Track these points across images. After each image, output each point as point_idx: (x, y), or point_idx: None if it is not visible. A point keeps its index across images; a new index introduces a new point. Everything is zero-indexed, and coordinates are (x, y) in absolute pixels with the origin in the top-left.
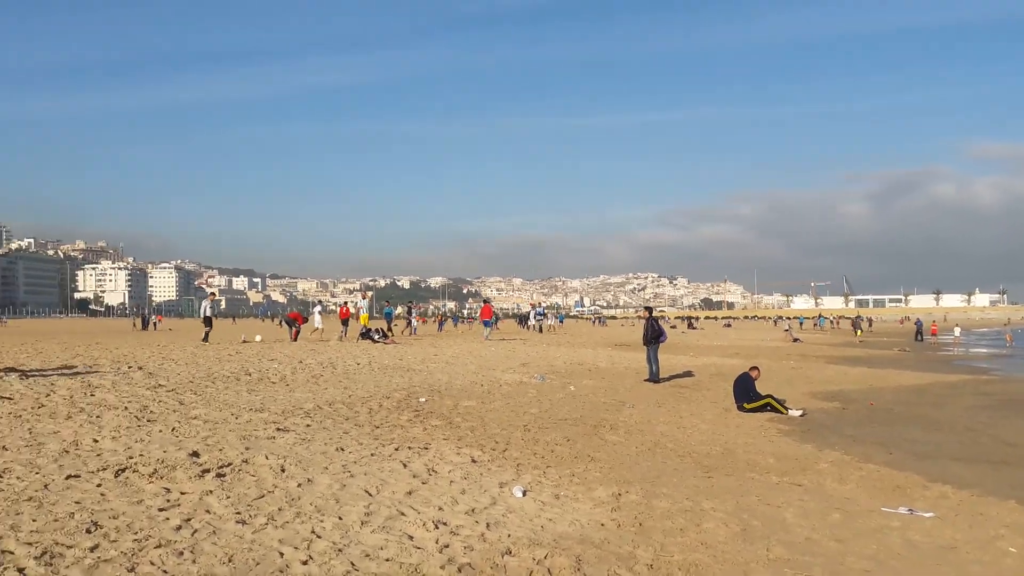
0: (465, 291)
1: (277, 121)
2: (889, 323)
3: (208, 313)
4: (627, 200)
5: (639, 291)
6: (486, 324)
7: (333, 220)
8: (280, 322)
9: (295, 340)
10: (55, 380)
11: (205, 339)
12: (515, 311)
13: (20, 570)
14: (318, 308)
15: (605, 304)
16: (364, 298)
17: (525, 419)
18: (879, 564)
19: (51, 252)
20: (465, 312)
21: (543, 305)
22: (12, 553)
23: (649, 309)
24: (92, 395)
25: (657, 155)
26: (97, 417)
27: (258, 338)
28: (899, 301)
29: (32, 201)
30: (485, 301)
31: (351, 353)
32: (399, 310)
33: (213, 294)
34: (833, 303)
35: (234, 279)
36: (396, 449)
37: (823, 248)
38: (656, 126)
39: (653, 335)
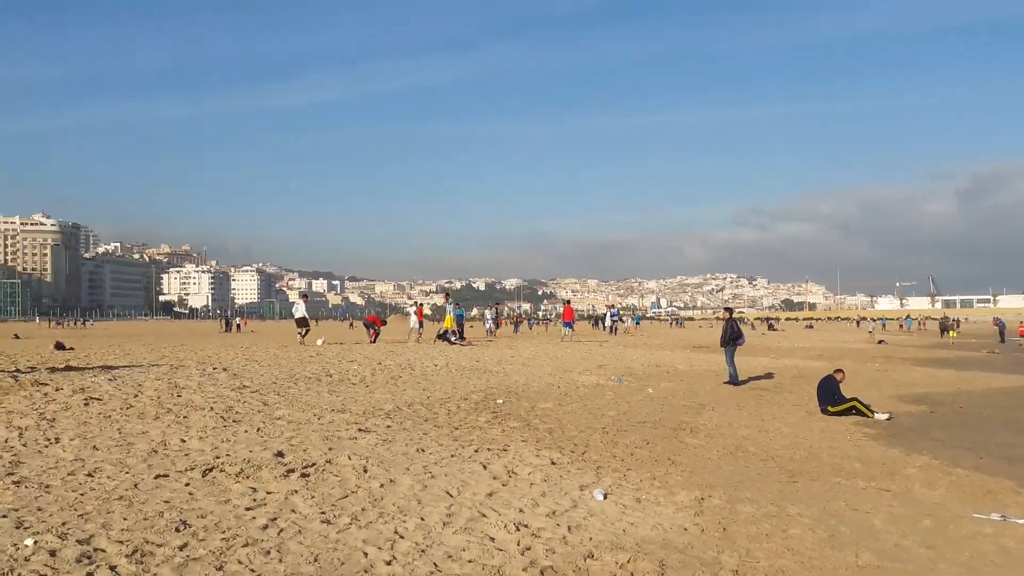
0: (540, 292)
1: (353, 125)
2: (978, 324)
3: (303, 314)
4: (702, 200)
5: (717, 292)
6: (567, 326)
7: (409, 222)
8: (350, 324)
9: (374, 342)
10: (142, 381)
11: (303, 340)
12: (590, 313)
13: (112, 568)
14: (414, 309)
15: (682, 305)
16: (447, 301)
17: (603, 421)
18: (972, 571)
19: (136, 256)
20: (540, 314)
21: (618, 307)
22: (104, 551)
23: (729, 310)
24: (179, 396)
25: (732, 153)
26: (184, 418)
27: (320, 341)
28: (987, 301)
29: (118, 206)
30: (566, 303)
31: (428, 355)
32: (485, 313)
33: (305, 296)
34: (919, 304)
35: (314, 281)
36: (475, 451)
37: (908, 247)
38: (729, 123)
39: (731, 336)
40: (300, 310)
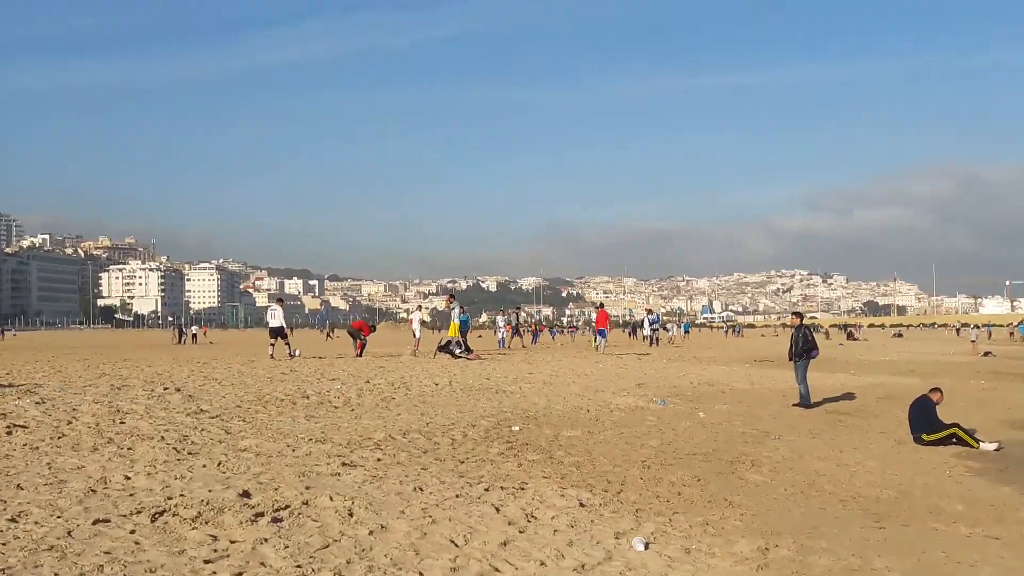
0: (564, 294)
1: (333, 90)
2: None
3: (280, 322)
4: (766, 180)
5: (783, 292)
6: (600, 334)
7: (404, 209)
8: (327, 334)
9: (360, 355)
10: (78, 405)
11: (273, 354)
12: (625, 319)
13: None
14: (417, 315)
15: (740, 309)
16: (450, 305)
17: (643, 453)
18: None
19: (70, 251)
20: (565, 320)
21: (660, 311)
22: None
23: (799, 315)
24: (122, 423)
25: (803, 122)
26: (129, 449)
27: (295, 354)
28: None
29: (47, 190)
30: (599, 306)
31: (427, 371)
32: (497, 320)
33: (280, 300)
34: None
35: (287, 282)
36: (486, 489)
37: (1021, 237)
38: (801, 85)
39: (803, 348)
40: (277, 317)
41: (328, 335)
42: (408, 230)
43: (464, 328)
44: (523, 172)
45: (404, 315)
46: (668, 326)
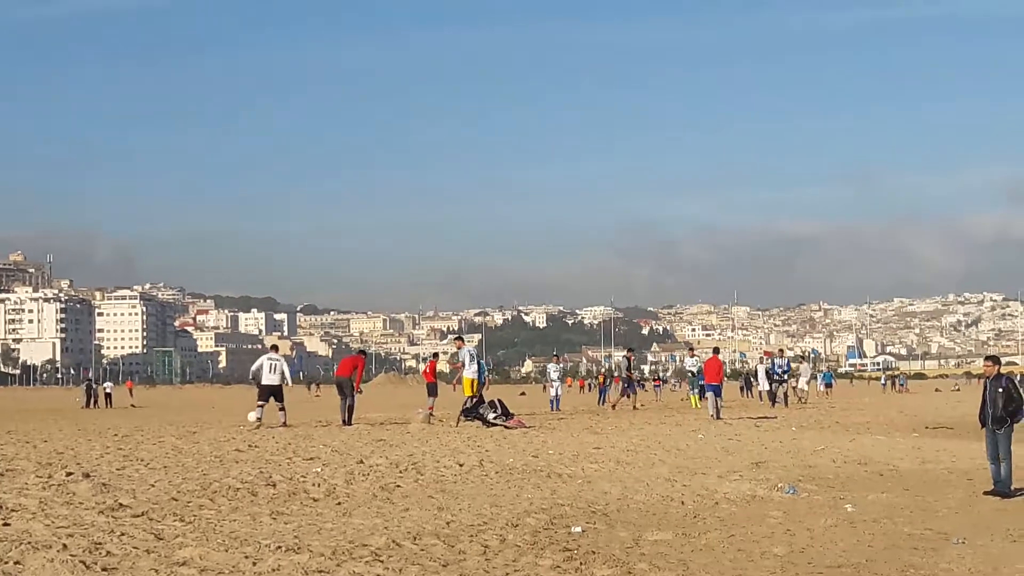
0: (645, 330)
1: (312, 45)
2: None
3: (279, 379)
4: (944, 162)
5: (967, 327)
6: (713, 391)
7: (408, 212)
8: (313, 389)
9: (349, 421)
10: None
11: (284, 423)
12: (736, 365)
13: None
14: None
15: (904, 351)
16: (461, 348)
17: (765, 566)
18: None
19: None
20: (647, 369)
21: (786, 355)
22: None
23: (995, 360)
24: (6, 524)
25: (995, 77)
26: (16, 564)
27: (253, 416)
28: None
29: None
30: (714, 351)
31: (447, 445)
32: (549, 369)
33: (275, 347)
34: None
35: (242, 315)
36: None
37: None
38: (991, 20)
39: (1005, 409)
40: (278, 371)
41: (313, 390)
42: (417, 240)
43: (480, 376)
44: (582, 160)
45: (413, 363)
46: (799, 376)
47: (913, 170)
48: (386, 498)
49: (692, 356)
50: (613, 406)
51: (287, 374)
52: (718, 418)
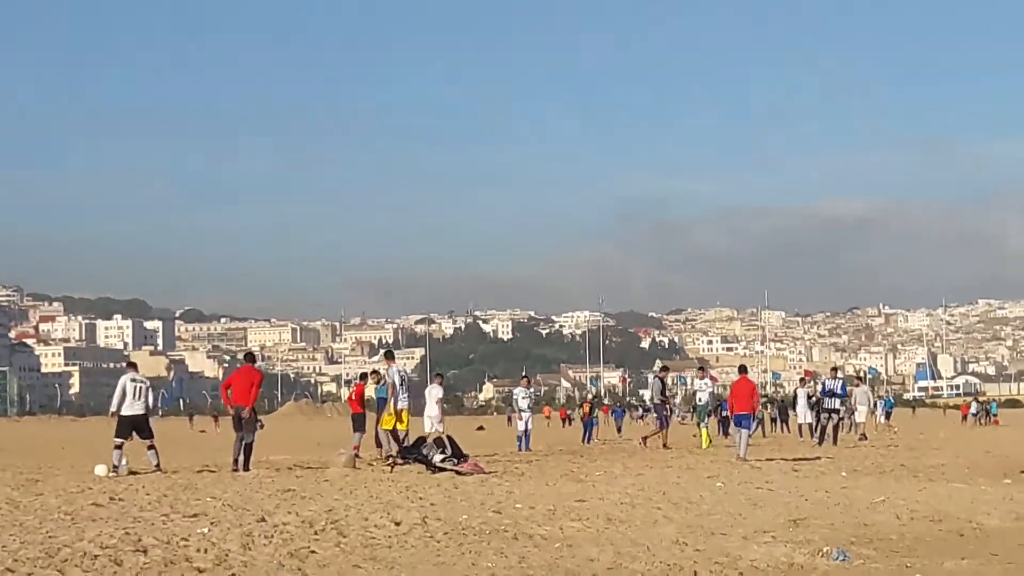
0: (646, 342)
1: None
2: None
3: (144, 408)
4: None
5: None
6: (741, 424)
7: (326, 194)
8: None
9: (246, 466)
10: None
11: (158, 466)
12: (768, 390)
13: None
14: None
15: (993, 369)
16: (391, 366)
17: None
18: None
19: None
20: (648, 396)
21: (839, 375)
22: None
23: None
24: None
25: None
26: None
27: (100, 470)
28: None
29: None
30: (741, 371)
31: (379, 496)
32: (515, 395)
33: (134, 364)
34: None
35: (101, 324)
36: None
37: None
38: None
39: None
40: (143, 397)
41: (216, 426)
42: (339, 227)
43: (381, 403)
44: (566, 119)
45: (332, 387)
46: (855, 404)
47: (1002, 133)
48: (297, 568)
49: (703, 378)
50: (643, 441)
51: (148, 400)
52: (744, 460)
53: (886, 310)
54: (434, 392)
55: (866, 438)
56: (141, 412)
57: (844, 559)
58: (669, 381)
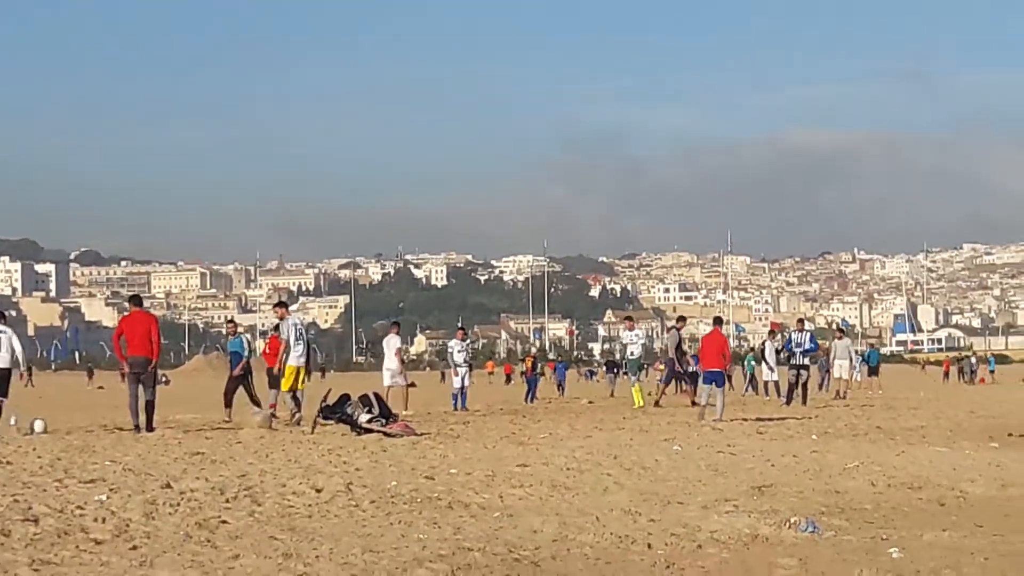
0: (596, 290)
1: None
2: None
3: (10, 358)
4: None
5: None
6: (712, 380)
7: (237, 122)
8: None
9: (149, 426)
10: None
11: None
12: (734, 344)
13: None
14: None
15: (979, 321)
16: (283, 318)
17: None
18: None
19: None
20: (596, 348)
21: (807, 327)
22: None
23: None
24: None
25: None
26: None
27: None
28: None
29: None
30: (715, 322)
31: (299, 460)
32: (451, 348)
33: (1, 313)
34: None
35: None
36: None
37: None
38: None
39: None
40: (5, 346)
41: (89, 378)
42: (252, 159)
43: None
44: (505, 37)
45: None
46: (835, 359)
47: (985, 60)
48: (206, 540)
49: (632, 330)
50: (657, 401)
51: (19, 352)
52: (713, 420)
53: (861, 255)
54: (392, 342)
55: (844, 396)
56: (5, 366)
57: (813, 530)
58: (685, 334)
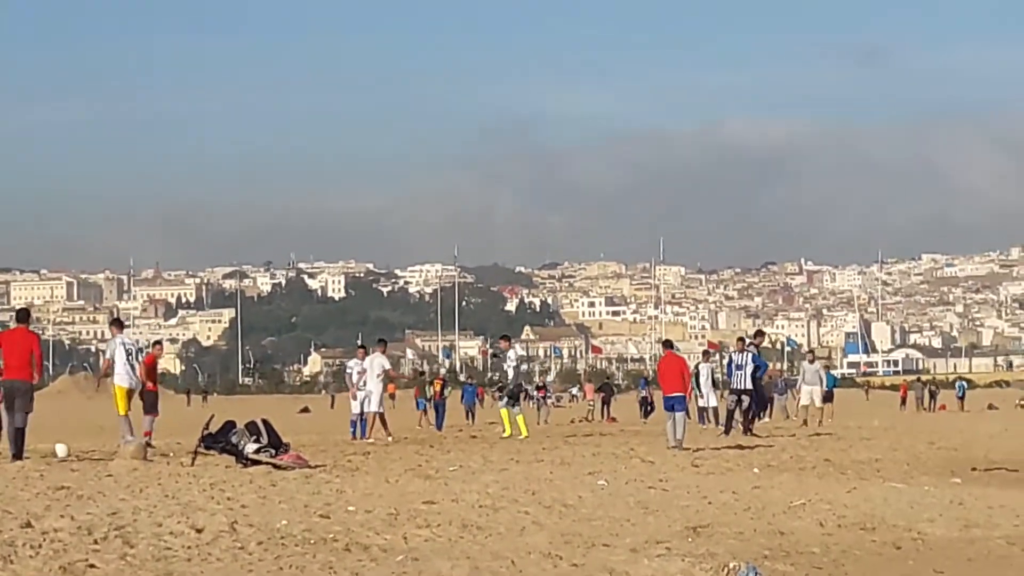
0: (513, 303)
1: None
2: None
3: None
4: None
5: None
6: (673, 407)
7: (112, 111)
8: None
9: (19, 453)
10: None
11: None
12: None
13: None
14: (381, 361)
15: (939, 341)
16: (115, 335)
17: None
18: None
19: None
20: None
21: (749, 346)
22: None
23: None
24: None
25: None
26: None
27: None
28: None
29: None
30: (666, 345)
31: (177, 496)
32: (349, 369)
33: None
34: None
35: None
36: None
37: None
38: None
39: None
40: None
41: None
42: (126, 154)
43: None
44: (414, 16)
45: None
46: (803, 384)
47: (948, 42)
48: None
49: (510, 348)
50: (748, 429)
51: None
52: (674, 446)
53: (808, 266)
54: (377, 362)
55: (808, 424)
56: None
57: (752, 575)
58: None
